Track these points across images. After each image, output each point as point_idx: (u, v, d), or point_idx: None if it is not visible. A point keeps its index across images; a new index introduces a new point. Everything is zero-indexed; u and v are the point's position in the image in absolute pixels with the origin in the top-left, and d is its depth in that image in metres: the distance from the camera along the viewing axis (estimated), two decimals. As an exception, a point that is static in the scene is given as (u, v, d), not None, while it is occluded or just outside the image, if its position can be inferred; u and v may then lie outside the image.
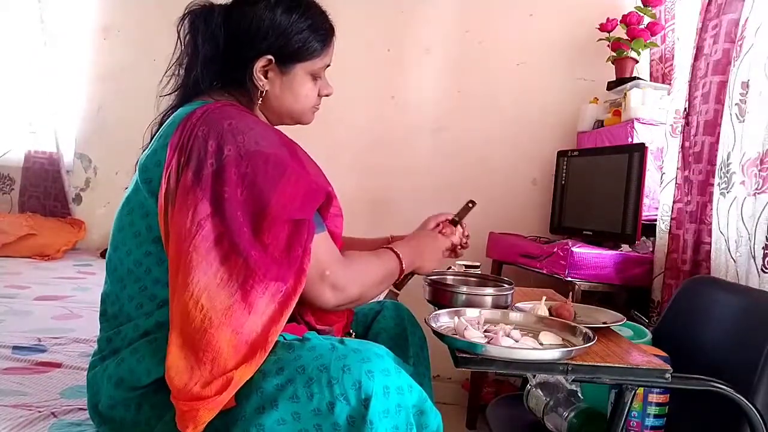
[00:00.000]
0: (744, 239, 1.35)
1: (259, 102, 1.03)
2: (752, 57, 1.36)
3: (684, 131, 1.64)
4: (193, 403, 0.79)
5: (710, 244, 1.49)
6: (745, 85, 1.37)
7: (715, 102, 1.51)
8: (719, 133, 1.50)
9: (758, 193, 1.30)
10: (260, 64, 0.99)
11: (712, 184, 1.52)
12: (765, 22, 1.34)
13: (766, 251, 1.26)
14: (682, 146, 1.65)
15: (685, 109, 1.63)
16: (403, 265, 1.09)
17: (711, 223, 1.50)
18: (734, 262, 1.38)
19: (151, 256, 0.91)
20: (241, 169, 0.86)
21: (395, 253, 1.10)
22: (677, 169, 1.67)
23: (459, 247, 1.26)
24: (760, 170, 1.31)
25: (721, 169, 1.46)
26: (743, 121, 1.38)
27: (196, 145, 0.88)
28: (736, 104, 1.40)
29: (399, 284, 1.20)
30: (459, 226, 1.27)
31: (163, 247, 0.89)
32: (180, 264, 0.84)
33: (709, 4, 1.55)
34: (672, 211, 1.68)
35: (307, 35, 1.00)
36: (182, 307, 0.82)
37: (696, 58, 1.59)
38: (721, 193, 1.45)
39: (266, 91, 1.02)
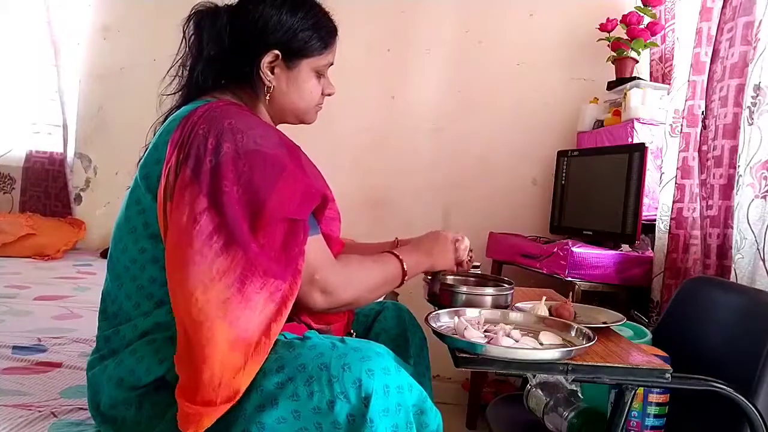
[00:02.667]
0: (749, 241, 1.34)
1: (267, 99, 1.04)
2: (764, 59, 1.36)
3: (702, 134, 1.63)
4: (198, 408, 0.79)
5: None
6: (757, 88, 1.37)
7: (734, 105, 1.50)
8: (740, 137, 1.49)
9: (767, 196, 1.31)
10: (267, 59, 1.01)
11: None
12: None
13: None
14: (699, 150, 1.63)
15: (703, 112, 1.62)
16: (405, 267, 1.08)
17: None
18: (735, 262, 1.38)
19: (146, 253, 0.91)
20: (238, 167, 0.87)
21: (396, 256, 1.08)
22: (677, 169, 1.67)
23: (466, 261, 1.25)
24: None
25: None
26: (752, 124, 1.37)
27: (195, 143, 0.88)
28: (747, 107, 1.40)
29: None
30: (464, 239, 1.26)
31: (159, 244, 0.89)
32: (177, 258, 0.84)
33: (724, 6, 1.55)
34: (672, 212, 1.68)
35: (311, 32, 1.03)
36: (179, 301, 0.82)
37: (713, 61, 1.58)
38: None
39: (272, 87, 1.03)
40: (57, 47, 2.83)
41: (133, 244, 0.93)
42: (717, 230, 1.54)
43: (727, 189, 1.53)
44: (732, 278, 1.40)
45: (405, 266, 1.08)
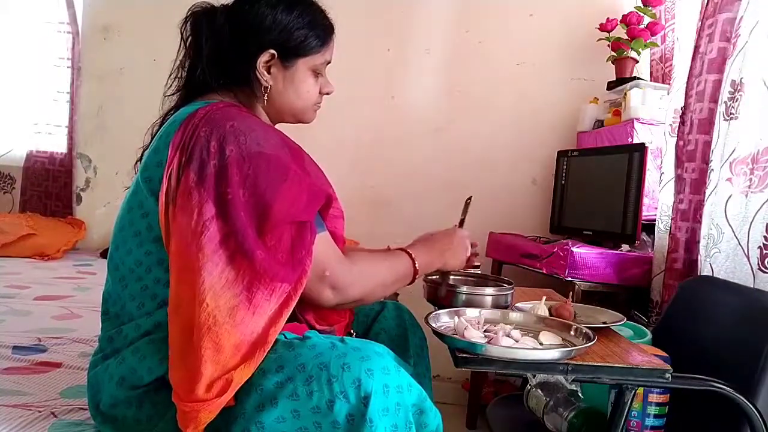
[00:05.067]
0: (726, 236, 1.35)
1: (264, 99, 1.04)
2: (745, 55, 1.36)
3: (679, 130, 1.63)
4: (194, 405, 0.80)
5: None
6: (735, 84, 1.37)
7: (710, 101, 1.51)
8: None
9: (752, 192, 1.31)
10: (263, 59, 1.01)
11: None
12: (761, 21, 1.33)
13: (765, 251, 1.26)
14: (676, 145, 1.64)
15: (682, 107, 1.63)
16: (417, 266, 1.07)
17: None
18: (711, 257, 1.39)
19: (152, 256, 0.92)
20: (243, 170, 0.87)
21: (408, 253, 1.08)
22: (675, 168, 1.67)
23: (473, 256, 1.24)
24: (753, 169, 1.31)
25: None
26: (730, 120, 1.38)
27: (198, 145, 0.88)
28: (724, 102, 1.41)
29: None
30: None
31: (163, 247, 0.90)
32: (184, 263, 0.84)
33: (707, 3, 1.55)
34: (672, 211, 1.68)
35: (307, 31, 1.02)
36: (185, 305, 0.83)
37: (693, 57, 1.59)
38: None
39: (269, 87, 1.03)
40: (58, 47, 2.83)
41: (137, 247, 0.93)
42: (687, 224, 1.55)
43: (699, 183, 1.53)
44: (707, 272, 1.41)
45: (417, 265, 1.07)
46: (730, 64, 1.41)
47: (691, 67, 1.59)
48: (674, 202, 1.63)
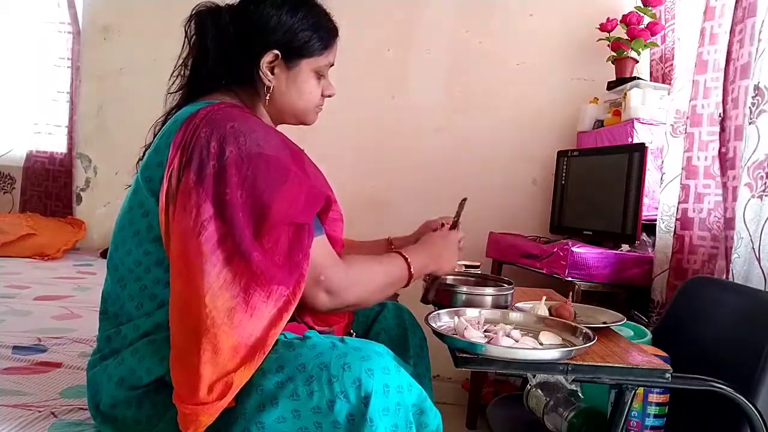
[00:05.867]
0: (744, 240, 1.34)
1: (266, 99, 1.04)
2: (764, 59, 1.36)
3: (720, 136, 1.62)
4: (194, 407, 0.80)
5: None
6: (757, 88, 1.37)
7: (744, 107, 1.50)
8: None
9: (767, 195, 1.30)
10: (267, 59, 1.01)
11: None
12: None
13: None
14: (719, 152, 1.63)
15: (720, 114, 1.62)
16: (412, 270, 1.06)
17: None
18: (732, 262, 1.38)
19: (151, 255, 0.92)
20: (242, 171, 0.87)
21: (404, 257, 1.07)
22: (682, 169, 1.66)
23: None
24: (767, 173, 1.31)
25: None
26: (752, 124, 1.37)
27: (198, 146, 0.88)
28: (748, 107, 1.40)
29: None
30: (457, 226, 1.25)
31: (162, 247, 0.90)
32: (183, 264, 0.84)
33: (736, 8, 1.54)
34: (677, 212, 1.67)
35: (311, 32, 1.03)
36: (185, 306, 0.83)
37: (726, 62, 1.58)
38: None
39: (272, 87, 1.03)
40: (58, 47, 2.84)
41: (137, 247, 0.93)
42: (732, 232, 1.53)
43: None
44: (730, 278, 1.40)
45: (412, 269, 1.07)
46: (752, 68, 1.40)
47: (726, 73, 1.58)
48: (723, 210, 1.59)
